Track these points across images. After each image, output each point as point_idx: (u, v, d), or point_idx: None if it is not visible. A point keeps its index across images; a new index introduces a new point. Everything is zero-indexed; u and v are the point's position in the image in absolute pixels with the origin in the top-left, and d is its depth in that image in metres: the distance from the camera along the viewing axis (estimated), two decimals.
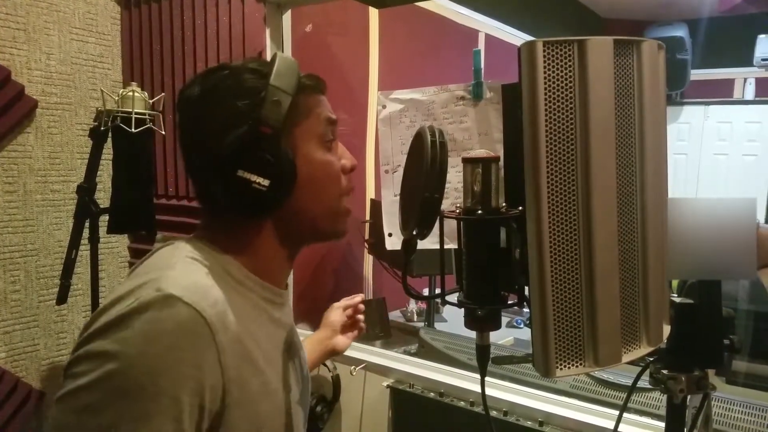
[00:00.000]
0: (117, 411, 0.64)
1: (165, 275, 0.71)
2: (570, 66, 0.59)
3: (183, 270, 0.73)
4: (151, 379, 0.64)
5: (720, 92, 4.68)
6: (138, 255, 2.23)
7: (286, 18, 1.88)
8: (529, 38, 0.59)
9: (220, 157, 0.76)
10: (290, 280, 1.86)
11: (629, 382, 0.91)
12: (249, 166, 0.75)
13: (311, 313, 2.16)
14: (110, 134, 1.70)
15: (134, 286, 0.70)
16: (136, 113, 1.66)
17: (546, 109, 0.59)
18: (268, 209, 0.79)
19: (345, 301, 1.39)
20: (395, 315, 2.66)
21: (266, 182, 0.76)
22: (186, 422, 0.66)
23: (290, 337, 0.91)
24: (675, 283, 0.81)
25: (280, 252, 0.85)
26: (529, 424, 1.32)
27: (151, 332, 0.66)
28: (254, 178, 0.75)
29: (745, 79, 4.58)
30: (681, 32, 4.30)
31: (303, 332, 1.79)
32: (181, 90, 0.84)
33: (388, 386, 1.56)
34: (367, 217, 2.64)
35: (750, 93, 4.58)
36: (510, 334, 2.39)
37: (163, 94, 1.82)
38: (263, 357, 0.79)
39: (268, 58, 1.86)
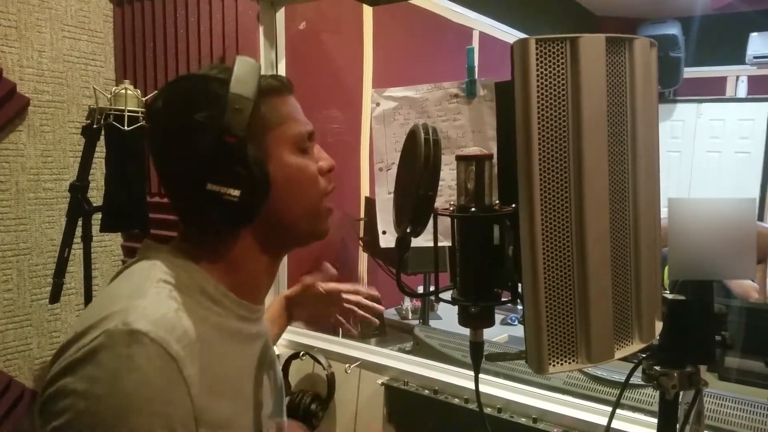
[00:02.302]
0: None
1: (134, 306, 0.69)
2: (562, 63, 0.59)
3: (153, 299, 0.72)
4: (120, 418, 0.64)
5: (713, 90, 4.71)
6: (131, 254, 2.23)
7: (280, 15, 1.87)
8: (523, 36, 0.59)
9: (188, 171, 0.74)
10: (285, 278, 1.86)
11: (622, 378, 0.91)
12: (218, 179, 0.73)
13: None
14: (103, 132, 1.69)
15: (103, 315, 0.69)
16: (129, 111, 1.65)
17: (538, 107, 0.59)
18: (242, 220, 0.77)
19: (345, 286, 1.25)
20: (390, 313, 2.67)
21: (237, 193, 0.73)
22: None
23: (264, 349, 0.90)
24: (666, 279, 0.81)
25: (260, 262, 0.84)
26: (523, 420, 1.33)
27: (118, 370, 0.65)
28: (224, 190, 0.73)
29: (738, 77, 4.61)
30: (674, 30, 4.32)
31: (298, 330, 1.79)
32: (149, 103, 0.83)
33: (382, 384, 1.56)
34: (362, 215, 2.64)
35: (742, 91, 4.61)
36: (504, 332, 2.39)
37: (156, 92, 1.82)
38: (235, 378, 0.79)
39: (262, 55, 1.86)
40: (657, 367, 0.81)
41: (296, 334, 1.78)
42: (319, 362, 1.65)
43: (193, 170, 0.74)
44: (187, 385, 0.69)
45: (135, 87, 1.72)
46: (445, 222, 0.72)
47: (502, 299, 0.71)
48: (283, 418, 0.95)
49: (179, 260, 0.79)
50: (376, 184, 1.42)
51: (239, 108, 0.74)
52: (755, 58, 4.23)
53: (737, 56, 4.33)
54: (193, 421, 0.69)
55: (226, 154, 0.73)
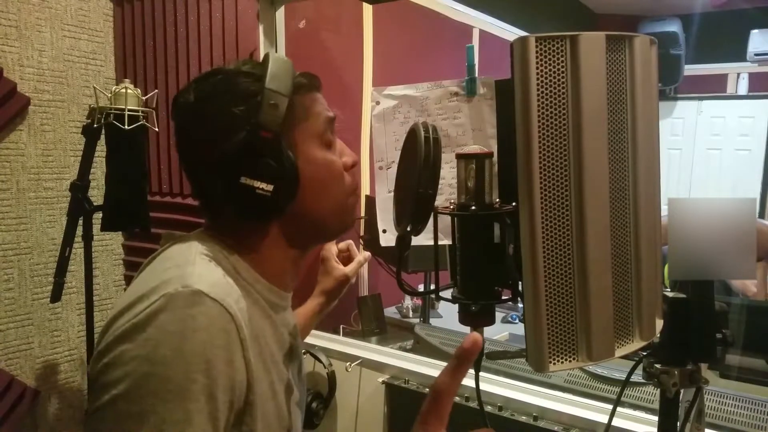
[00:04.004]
0: (159, 415, 0.62)
1: (188, 272, 0.70)
2: (562, 61, 0.59)
3: (203, 266, 0.73)
4: (188, 378, 0.64)
5: (713, 87, 4.70)
6: (132, 252, 2.23)
7: (280, 14, 1.87)
8: (523, 34, 0.59)
9: (221, 165, 0.75)
10: None
11: (623, 376, 0.91)
12: (251, 173, 0.74)
13: None
14: (103, 131, 1.69)
15: (156, 283, 0.69)
16: (129, 110, 1.65)
17: (538, 105, 0.59)
18: (272, 213, 0.78)
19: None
20: (391, 311, 2.66)
21: (270, 187, 0.75)
22: (222, 420, 0.66)
23: (293, 339, 0.90)
24: (667, 278, 0.81)
25: (287, 254, 0.84)
26: (523, 418, 1.33)
27: (183, 330, 0.65)
28: (257, 183, 0.74)
29: (738, 74, 4.60)
30: (674, 27, 4.32)
31: None
32: (176, 97, 0.82)
33: (383, 382, 1.57)
34: (362, 214, 2.64)
35: (743, 88, 4.60)
36: (505, 330, 2.39)
37: (156, 90, 1.82)
38: (270, 357, 0.79)
39: (262, 54, 1.86)
40: (658, 365, 0.81)
41: None
42: (319, 360, 1.65)
43: (226, 164, 0.75)
44: (243, 348, 0.69)
45: (135, 86, 1.72)
46: (445, 220, 0.72)
47: (503, 297, 0.71)
48: (304, 411, 0.96)
49: (210, 243, 0.79)
50: (377, 182, 1.42)
51: (274, 104, 0.75)
52: (756, 55, 4.23)
53: (738, 53, 4.32)
54: (246, 386, 0.70)
55: (260, 149, 0.75)
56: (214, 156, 0.75)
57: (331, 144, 0.85)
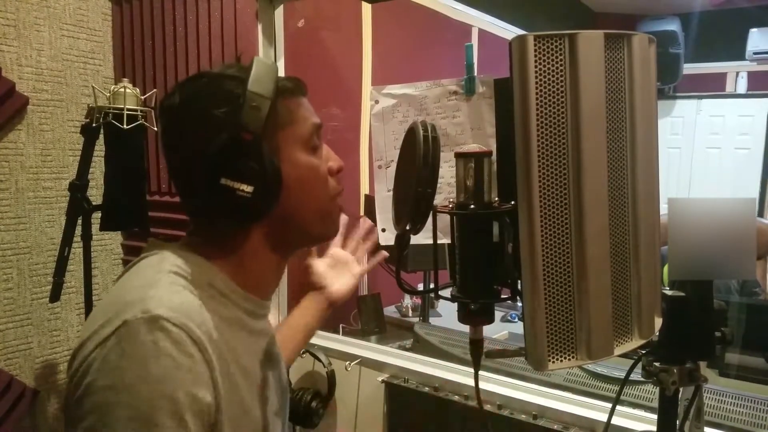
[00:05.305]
0: None
1: (149, 295, 0.70)
2: (561, 60, 0.59)
3: (167, 289, 0.72)
4: (153, 404, 0.64)
5: (712, 86, 4.71)
6: (131, 252, 2.23)
7: (279, 13, 1.87)
8: (522, 33, 0.59)
9: (202, 166, 0.75)
10: (284, 277, 1.86)
11: (622, 374, 0.91)
12: (232, 174, 0.74)
13: None
14: (102, 131, 1.69)
15: (119, 308, 0.69)
16: (128, 110, 1.65)
17: (537, 104, 0.59)
18: (254, 216, 0.78)
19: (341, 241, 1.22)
20: (390, 310, 2.66)
21: (250, 189, 0.75)
22: None
23: (269, 346, 0.90)
24: (666, 275, 0.81)
25: (270, 259, 0.84)
26: (523, 417, 1.33)
27: (145, 357, 0.65)
28: (238, 185, 0.74)
29: (738, 73, 4.61)
30: (673, 26, 4.32)
31: None
32: (162, 99, 0.83)
33: (383, 381, 1.57)
34: (362, 213, 2.64)
35: (742, 86, 4.60)
36: (504, 329, 2.39)
37: (155, 90, 1.82)
38: (242, 372, 0.79)
39: (261, 53, 1.85)
40: (657, 364, 0.81)
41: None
42: (319, 360, 1.65)
43: (207, 165, 0.75)
44: (209, 369, 0.70)
45: (134, 85, 1.72)
46: (444, 219, 0.72)
47: (502, 296, 0.71)
48: (286, 418, 0.96)
49: (187, 254, 0.79)
50: (376, 181, 1.42)
51: (256, 106, 0.76)
52: (755, 53, 4.23)
53: (737, 52, 4.33)
54: (215, 406, 0.70)
55: (241, 150, 0.75)
56: (195, 157, 0.76)
57: (316, 148, 0.85)
